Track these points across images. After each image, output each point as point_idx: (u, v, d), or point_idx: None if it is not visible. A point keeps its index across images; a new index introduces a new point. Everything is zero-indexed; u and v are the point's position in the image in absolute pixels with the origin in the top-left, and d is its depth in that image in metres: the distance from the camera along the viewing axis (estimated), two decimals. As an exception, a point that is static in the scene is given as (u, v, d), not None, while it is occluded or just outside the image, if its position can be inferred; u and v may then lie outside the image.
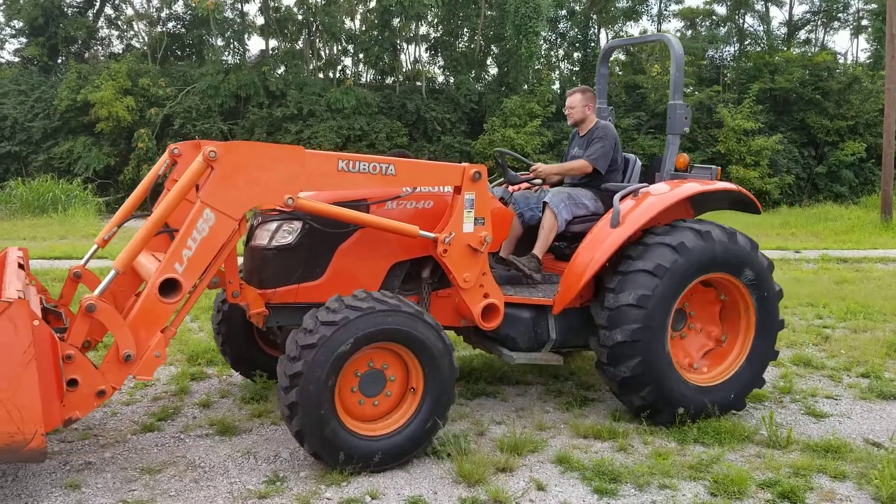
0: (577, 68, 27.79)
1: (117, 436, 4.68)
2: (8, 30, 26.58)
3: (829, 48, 31.52)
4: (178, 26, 26.61)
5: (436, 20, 25.53)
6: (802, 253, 14.54)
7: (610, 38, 29.15)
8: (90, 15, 26.60)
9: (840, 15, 31.60)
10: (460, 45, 26.21)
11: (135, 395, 5.47)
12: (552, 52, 27.81)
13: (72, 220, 17.95)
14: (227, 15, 24.41)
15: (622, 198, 5.05)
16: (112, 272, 3.93)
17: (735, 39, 30.43)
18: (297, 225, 4.52)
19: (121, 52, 26.71)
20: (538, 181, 5.77)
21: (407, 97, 23.97)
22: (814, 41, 32.36)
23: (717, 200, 5.59)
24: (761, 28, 30.76)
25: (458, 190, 4.54)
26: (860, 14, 31.65)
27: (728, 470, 4.24)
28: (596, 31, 28.41)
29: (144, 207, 5.37)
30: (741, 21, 30.63)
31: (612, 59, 29.15)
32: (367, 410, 4.24)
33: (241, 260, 4.81)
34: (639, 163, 5.78)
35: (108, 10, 27.40)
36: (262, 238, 4.60)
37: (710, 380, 5.09)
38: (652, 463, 4.38)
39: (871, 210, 22.04)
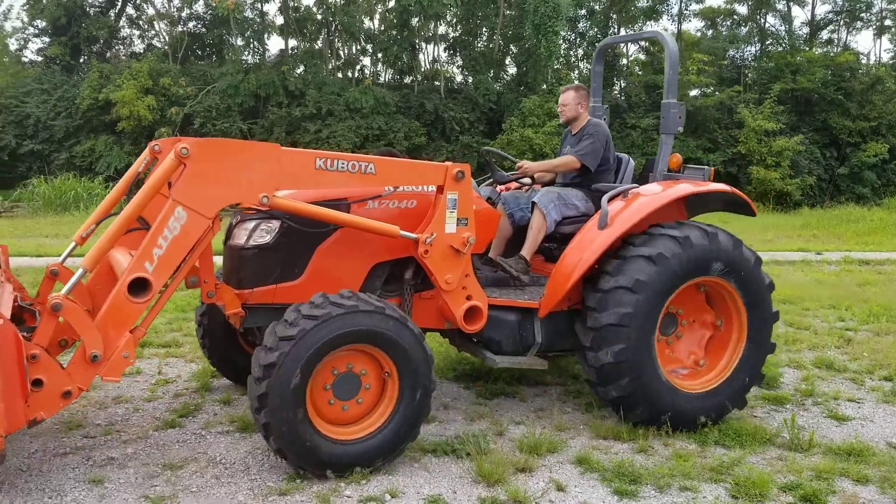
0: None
1: (139, 432, 4.72)
2: (31, 29, 26.90)
3: (852, 48, 31.18)
4: (199, 26, 26.80)
5: (454, 20, 25.55)
6: (824, 255, 14.40)
7: (629, 37, 29.03)
8: (112, 14, 26.85)
9: (863, 15, 31.24)
10: (479, 45, 26.20)
11: (156, 391, 5.51)
12: (571, 52, 27.75)
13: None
14: (247, 14, 24.56)
15: (612, 198, 4.95)
16: (80, 270, 3.89)
17: (756, 39, 30.19)
18: (276, 224, 4.42)
19: (142, 51, 26.94)
20: (527, 181, 5.65)
21: (425, 97, 23.99)
22: (836, 41, 32.03)
23: (712, 202, 5.46)
24: (783, 28, 30.50)
25: (440, 189, 4.44)
26: (883, 14, 31.29)
27: (749, 472, 4.22)
28: (616, 30, 28.30)
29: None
30: (762, 21, 30.38)
31: (631, 59, 29.12)
32: (338, 413, 4.14)
33: (221, 259, 4.78)
34: (632, 162, 5.68)
35: (130, 10, 27.66)
36: (240, 237, 4.51)
37: (706, 384, 4.96)
38: (672, 464, 4.36)
39: (893, 212, 21.81)
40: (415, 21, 24.51)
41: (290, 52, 25.51)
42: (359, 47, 25.84)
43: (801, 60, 27.59)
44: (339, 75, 25.55)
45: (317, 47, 25.52)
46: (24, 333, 3.70)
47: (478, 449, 4.33)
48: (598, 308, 4.64)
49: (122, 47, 27.86)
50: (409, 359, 4.11)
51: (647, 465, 4.37)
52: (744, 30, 30.50)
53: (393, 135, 22.29)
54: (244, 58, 24.93)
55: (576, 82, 6.40)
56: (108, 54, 26.69)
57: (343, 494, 3.94)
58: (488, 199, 5.39)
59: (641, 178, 5.58)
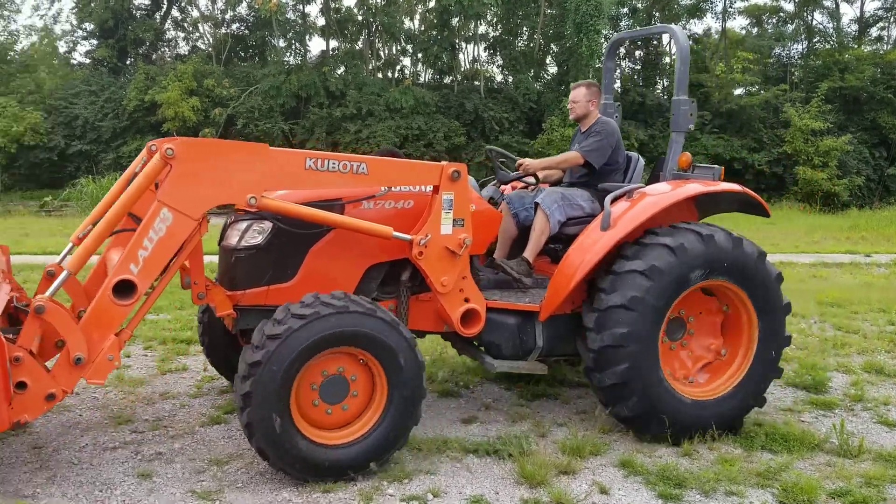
0: (638, 66, 27.44)
1: (186, 427, 4.80)
2: (80, 32, 27.54)
3: (903, 45, 30.40)
4: (242, 28, 27.16)
5: (495, 19, 25.52)
6: (873, 257, 14.07)
7: (672, 35, 28.66)
8: (157, 17, 27.35)
9: (914, 11, 30.44)
10: (519, 44, 26.13)
11: (202, 387, 5.60)
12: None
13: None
14: (289, 16, 24.83)
15: (617, 199, 4.79)
16: (65, 273, 3.84)
17: (803, 37, 29.61)
18: (268, 225, 4.35)
19: (186, 53, 27.40)
20: (532, 180, 5.48)
21: (465, 96, 24.00)
22: (886, 38, 31.27)
23: (725, 202, 5.27)
24: (831, 25, 29.87)
25: (437, 190, 4.34)
26: (936, 10, 30.46)
27: (797, 478, 4.13)
28: (658, 29, 27.97)
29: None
30: (809, 18, 29.78)
31: (674, 57, 28.74)
32: (323, 416, 4.04)
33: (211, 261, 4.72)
34: (642, 162, 5.50)
35: (175, 13, 28.17)
36: (233, 238, 4.46)
37: (706, 394, 4.78)
38: (718, 469, 4.29)
39: (946, 213, 21.20)
40: (455, 21, 24.53)
41: (331, 52, 25.72)
42: (399, 47, 25.97)
43: (849, 58, 26.99)
44: (380, 76, 25.69)
45: (357, 48, 25.70)
46: (10, 335, 3.71)
47: (520, 450, 4.31)
48: (595, 329, 4.50)
49: (167, 49, 28.39)
50: (399, 364, 4.01)
51: (692, 469, 4.31)
52: (790, 27, 29.95)
53: (433, 134, 22.34)
54: (286, 59, 25.20)
55: (586, 80, 6.14)
56: (154, 56, 27.19)
57: (385, 493, 3.96)
58: (490, 200, 5.28)
59: (651, 177, 5.45)
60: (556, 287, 4.66)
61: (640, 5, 27.05)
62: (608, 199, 4.74)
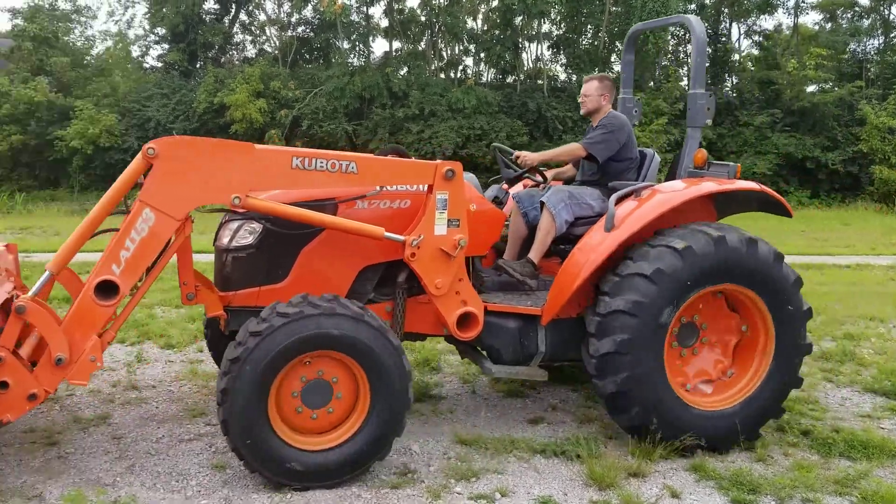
0: (707, 64, 26.81)
1: (257, 422, 4.89)
2: (152, 37, 28.34)
3: None
4: (307, 30, 27.57)
5: (559, 17, 25.32)
6: (956, 260, 13.46)
7: (742, 32, 28.00)
8: (226, 21, 27.98)
9: None
10: (583, 43, 25.86)
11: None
12: (680, 48, 27.00)
13: (213, 216, 18.95)
14: (353, 18, 25.08)
15: (624, 197, 4.62)
16: (46, 273, 3.83)
17: (880, 31, 28.49)
18: (259, 225, 4.30)
19: (254, 56, 27.94)
20: (539, 178, 5.25)
21: (528, 96, 23.87)
22: (970, 31, 29.84)
23: (745, 201, 5.07)
24: (909, 18, 28.65)
25: (431, 189, 4.23)
26: None
27: (878, 486, 4.00)
28: (727, 25, 27.37)
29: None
30: (887, 12, 28.63)
31: (744, 54, 28.08)
32: (304, 421, 3.96)
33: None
34: (657, 158, 5.26)
35: (243, 17, 28.73)
36: (225, 238, 4.43)
37: (717, 404, 4.56)
38: (794, 475, 4.18)
39: None
40: (518, 20, 24.42)
41: (394, 53, 25.90)
42: (461, 47, 25.98)
43: (929, 53, 25.87)
44: (442, 76, 25.75)
45: (420, 48, 25.83)
46: None
47: (589, 452, 4.26)
48: (597, 334, 4.33)
49: (235, 53, 29.00)
50: (384, 372, 3.91)
51: (767, 474, 4.21)
52: (866, 22, 28.86)
53: (495, 134, 22.27)
54: (350, 60, 25.49)
55: (600, 73, 5.81)
56: (223, 59, 27.83)
57: (454, 491, 3.98)
58: (495, 199, 5.11)
59: (668, 174, 5.25)
60: (557, 290, 4.49)
61: (707, 1, 26.49)
62: (613, 198, 4.58)
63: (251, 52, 28.76)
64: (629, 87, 5.79)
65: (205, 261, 5.69)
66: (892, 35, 28.33)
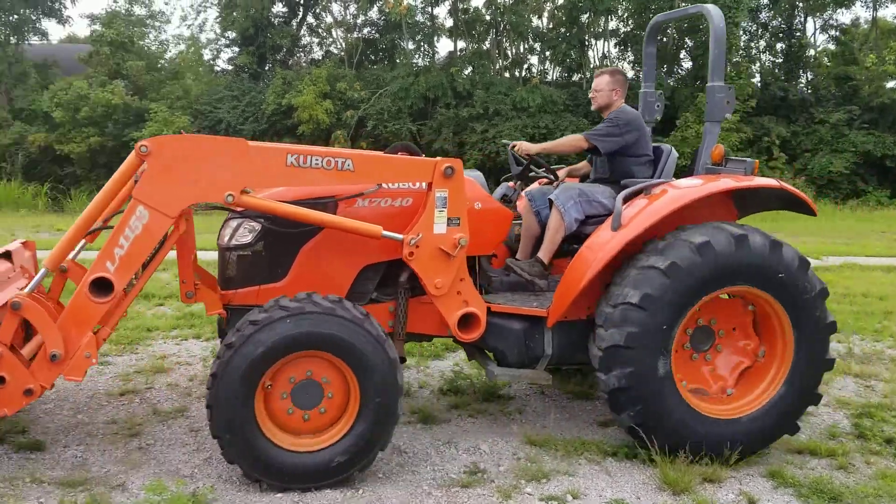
0: (780, 60, 26.07)
1: (328, 417, 4.95)
2: (223, 40, 29.03)
3: None
4: (373, 31, 27.84)
5: (626, 14, 24.97)
6: None
7: (818, 26, 27.08)
8: (294, 24, 28.47)
9: None
10: (651, 40, 25.44)
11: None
12: (752, 44, 26.28)
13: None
14: (418, 19, 25.23)
15: (635, 195, 4.46)
16: (42, 270, 3.87)
17: (965, 23, 27.23)
18: (258, 223, 4.28)
19: (320, 58, 28.36)
20: (540, 173, 5.13)
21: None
22: None
23: (766, 200, 4.83)
24: None
25: (430, 187, 4.14)
26: None
27: (971, 500, 3.81)
28: (802, 19, 26.50)
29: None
30: (973, 2, 27.36)
31: (820, 49, 27.17)
32: (294, 422, 3.90)
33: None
34: (674, 154, 5.05)
35: (310, 19, 29.19)
36: (225, 236, 4.40)
37: (728, 412, 4.35)
38: (878, 484, 4.03)
39: None
40: (584, 17, 24.16)
41: (458, 53, 25.94)
42: (526, 46, 25.87)
43: None
44: (507, 75, 25.67)
45: (485, 48, 25.80)
46: None
47: (663, 456, 4.18)
48: (604, 326, 4.19)
49: (302, 55, 29.48)
50: (374, 386, 3.83)
51: (848, 483, 4.07)
52: (951, 13, 27.57)
53: (560, 133, 22.06)
54: (414, 61, 25.63)
55: (612, 66, 5.62)
56: (290, 62, 28.33)
57: (524, 491, 3.95)
58: (504, 198, 5.01)
59: (687, 172, 5.00)
60: (563, 291, 4.35)
61: (780, -5, 25.73)
62: (619, 196, 4.41)
63: (318, 54, 29.20)
64: (651, 81, 5.62)
65: (211, 259, 5.75)
66: (979, 27, 27.03)
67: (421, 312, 4.45)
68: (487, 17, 25.36)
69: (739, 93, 21.68)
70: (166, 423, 4.78)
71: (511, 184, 5.07)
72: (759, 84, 24.57)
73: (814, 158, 22.12)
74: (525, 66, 26.20)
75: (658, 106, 5.57)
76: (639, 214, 4.25)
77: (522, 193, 5.15)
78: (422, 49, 26.21)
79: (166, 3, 36.86)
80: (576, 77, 26.01)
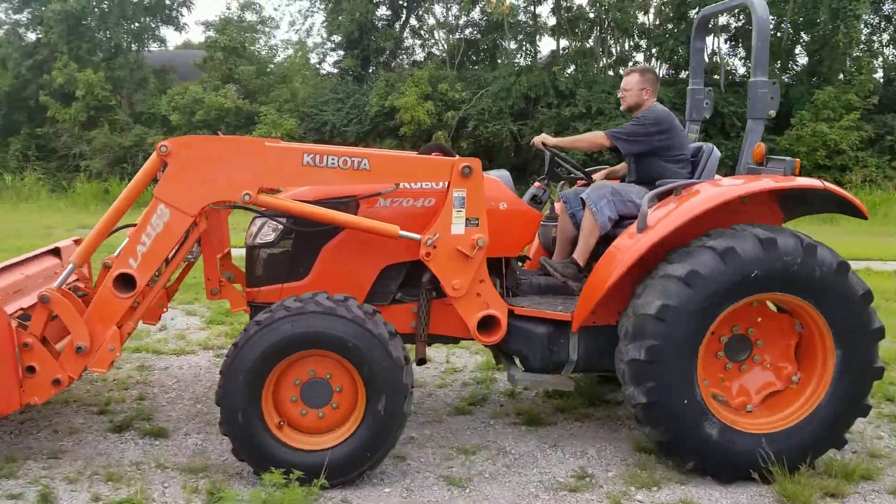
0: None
1: (433, 415, 5.00)
2: (328, 44, 29.78)
3: None
4: (474, 32, 27.93)
5: (737, 9, 24.10)
6: None
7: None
8: (397, 27, 28.90)
9: None
10: (763, 35, 24.46)
11: (446, 379, 5.81)
12: (874, 37, 24.87)
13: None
14: (520, 18, 25.14)
15: (663, 196, 4.28)
16: (70, 266, 4.02)
17: None
18: (282, 222, 4.31)
19: (422, 59, 28.67)
20: (577, 175, 4.98)
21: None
22: None
23: (816, 202, 4.53)
24: None
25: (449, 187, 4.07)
26: None
27: None
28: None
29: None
30: None
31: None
32: (302, 419, 3.91)
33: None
34: (716, 154, 4.80)
35: (413, 21, 29.56)
36: (251, 235, 4.46)
37: (764, 426, 4.09)
38: None
39: None
40: (692, 13, 23.46)
41: (561, 52, 25.69)
42: (632, 43, 25.36)
43: None
44: (611, 73, 25.23)
45: (588, 46, 25.45)
46: (24, 322, 3.94)
47: (782, 469, 3.99)
48: (625, 339, 4.01)
49: (405, 57, 29.89)
50: (378, 382, 3.79)
51: None
52: None
53: (666, 133, 21.60)
54: (516, 60, 25.54)
55: (642, 65, 5.31)
56: (393, 64, 28.77)
57: (634, 498, 3.88)
58: (534, 198, 4.83)
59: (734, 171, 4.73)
60: (586, 295, 4.20)
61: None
62: (646, 197, 4.22)
63: (420, 55, 29.53)
64: (699, 77, 5.35)
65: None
66: None
67: (445, 314, 4.37)
68: (591, 15, 25.03)
69: (860, 89, 20.59)
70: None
71: (537, 184, 4.99)
72: (881, 80, 23.21)
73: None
74: (630, 63, 25.69)
75: (707, 104, 5.32)
76: (667, 216, 4.08)
77: (560, 195, 5.07)
78: (523, 48, 26.10)
79: (276, 9, 38.23)
80: (683, 74, 25.30)
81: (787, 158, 4.39)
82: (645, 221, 4.08)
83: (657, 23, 25.04)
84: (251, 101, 24.87)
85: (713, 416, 3.98)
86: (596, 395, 5.37)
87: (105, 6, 24.81)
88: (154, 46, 27.68)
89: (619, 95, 4.97)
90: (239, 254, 4.63)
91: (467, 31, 27.98)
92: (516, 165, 21.73)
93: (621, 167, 5.27)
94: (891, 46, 24.87)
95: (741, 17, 24.17)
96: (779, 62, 23.41)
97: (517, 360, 4.53)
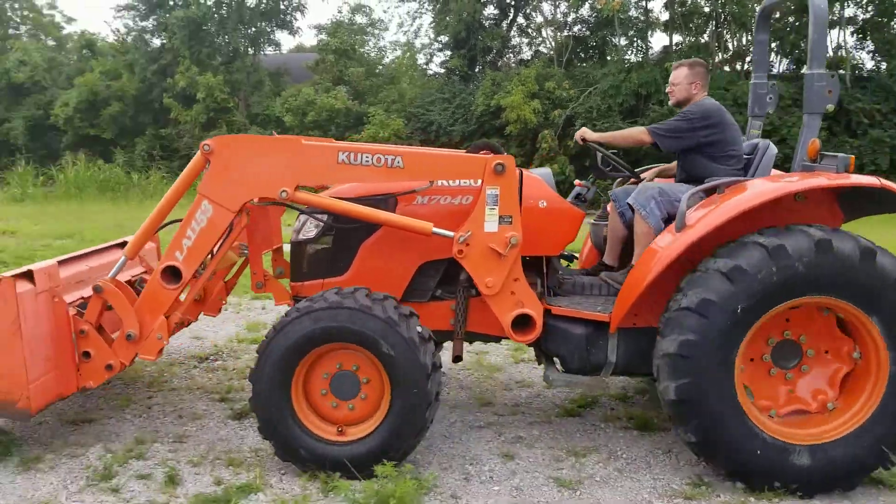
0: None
1: (542, 416, 4.95)
2: (436, 45, 30.07)
3: None
4: (583, 29, 27.56)
5: (865, 0, 22.78)
6: None
7: None
8: (504, 25, 28.86)
9: None
10: (895, 27, 22.99)
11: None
12: None
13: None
14: (631, 13, 24.61)
15: (707, 194, 4.13)
16: (122, 259, 4.29)
17: None
18: (323, 219, 4.40)
19: (529, 58, 28.52)
20: (622, 173, 4.84)
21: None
22: None
23: (877, 201, 4.11)
24: None
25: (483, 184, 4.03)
26: None
27: None
28: None
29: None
30: None
31: None
32: (332, 410, 3.97)
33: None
34: (772, 150, 4.52)
35: (520, 20, 29.45)
36: (295, 231, 4.57)
37: (805, 438, 3.84)
38: None
39: None
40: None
41: (673, 47, 24.98)
42: (749, 37, 24.38)
43: None
44: (727, 69, 24.34)
45: (703, 41, 24.65)
46: (81, 311, 4.17)
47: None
48: (662, 333, 3.85)
49: (511, 55, 29.82)
50: (410, 398, 3.83)
51: None
52: None
53: (787, 130, 20.56)
54: (626, 57, 25.02)
55: (692, 58, 4.97)
56: (500, 63, 28.75)
57: (754, 509, 3.70)
58: (578, 197, 4.72)
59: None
60: (624, 295, 4.09)
61: None
62: (685, 195, 4.07)
63: (527, 54, 29.40)
64: (762, 71, 5.09)
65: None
66: None
67: (483, 312, 4.32)
68: (706, 9, 24.23)
69: None
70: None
71: (578, 182, 4.90)
72: None
73: None
74: (747, 58, 24.71)
75: (770, 98, 5.04)
76: (707, 215, 3.92)
77: (610, 193, 4.93)
78: (634, 44, 25.56)
79: (385, 12, 38.98)
80: (804, 69, 24.14)
81: (841, 155, 4.19)
82: (683, 220, 3.97)
83: (777, 15, 23.97)
84: (360, 102, 25.42)
85: (750, 421, 3.82)
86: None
87: (224, 12, 25.94)
88: (269, 50, 28.73)
89: (667, 90, 4.85)
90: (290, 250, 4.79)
91: (576, 29, 27.65)
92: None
93: (673, 165, 5.10)
94: None
95: (869, 9, 22.85)
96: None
97: (557, 361, 4.47)
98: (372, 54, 30.07)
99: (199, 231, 4.05)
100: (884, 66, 22.61)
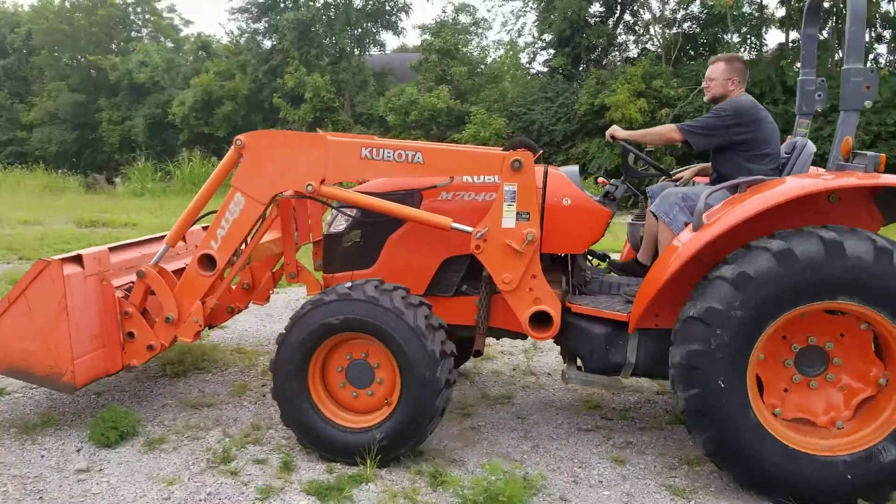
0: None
1: (653, 422, 4.80)
2: (539, 43, 29.87)
3: None
4: (693, 26, 26.80)
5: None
6: None
7: None
8: (610, 23, 28.38)
9: None
10: None
11: (665, 385, 5.57)
12: None
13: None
14: (745, 10, 23.74)
15: (732, 192, 4.03)
16: (164, 247, 4.43)
17: None
18: (352, 213, 4.50)
19: (636, 56, 27.95)
20: (650, 171, 4.76)
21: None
22: None
23: None
24: None
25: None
26: None
27: None
28: None
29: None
30: None
31: None
32: (348, 398, 4.09)
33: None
34: (810, 148, 4.30)
35: (627, 17, 28.90)
36: (328, 224, 4.68)
37: (827, 450, 3.65)
38: None
39: None
40: (948, -2, 20.94)
41: (789, 45, 23.95)
42: (874, 34, 23.10)
43: None
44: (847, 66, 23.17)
45: (822, 38, 23.52)
46: (126, 293, 4.39)
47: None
48: (674, 342, 3.75)
49: (617, 53, 29.30)
50: (420, 387, 3.86)
51: None
52: None
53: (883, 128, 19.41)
54: (739, 54, 24.21)
55: (729, 52, 4.61)
56: (605, 61, 28.29)
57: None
58: (607, 195, 4.59)
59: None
60: (641, 295, 3.98)
61: None
62: (704, 194, 3.94)
63: (633, 52, 28.84)
64: (810, 67, 4.84)
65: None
66: None
67: (506, 308, 4.25)
68: (826, 4, 23.10)
69: None
70: (494, 408, 4.98)
71: (601, 179, 4.74)
72: None
73: None
74: (871, 56, 23.43)
75: (819, 95, 4.78)
76: (724, 214, 3.76)
77: (647, 191, 4.79)
78: (748, 41, 24.68)
79: (489, 11, 39.02)
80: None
81: (870, 153, 3.91)
82: (700, 219, 3.84)
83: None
84: (462, 102, 25.53)
85: (766, 431, 3.64)
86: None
87: (332, 13, 26.56)
88: (374, 50, 29.25)
89: (703, 86, 4.65)
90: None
91: (685, 26, 26.94)
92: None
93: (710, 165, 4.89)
94: None
95: None
96: None
97: (578, 360, 4.39)
98: (475, 53, 30.15)
99: (233, 222, 4.24)
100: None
